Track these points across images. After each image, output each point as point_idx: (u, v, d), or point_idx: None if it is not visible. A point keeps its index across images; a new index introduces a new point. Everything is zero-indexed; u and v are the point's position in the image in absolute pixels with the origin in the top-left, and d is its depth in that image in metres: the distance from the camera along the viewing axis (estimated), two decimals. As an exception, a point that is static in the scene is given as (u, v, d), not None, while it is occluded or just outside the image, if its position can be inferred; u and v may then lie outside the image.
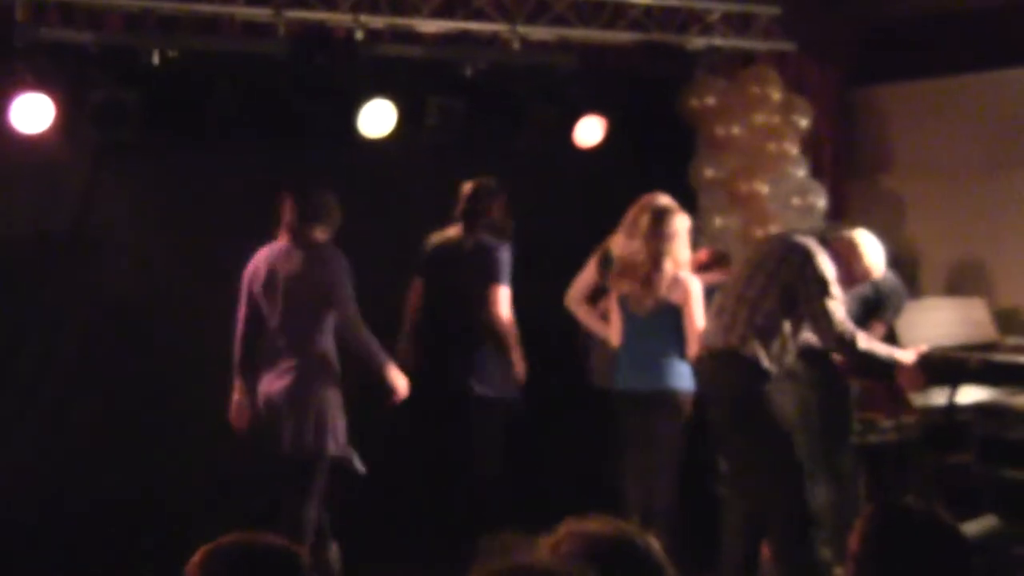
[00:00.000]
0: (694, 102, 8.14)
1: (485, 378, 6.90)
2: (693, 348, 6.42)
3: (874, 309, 6.97)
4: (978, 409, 7.23)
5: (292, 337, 6.24)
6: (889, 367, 6.29)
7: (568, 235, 7.37)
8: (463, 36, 7.56)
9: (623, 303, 6.65)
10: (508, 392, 6.94)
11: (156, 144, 6.78)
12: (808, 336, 6.24)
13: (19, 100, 6.32)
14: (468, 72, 7.31)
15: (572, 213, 7.68)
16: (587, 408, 7.22)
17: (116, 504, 6.84)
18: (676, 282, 6.54)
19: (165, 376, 6.99)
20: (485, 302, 6.83)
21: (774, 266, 6.07)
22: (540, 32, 7.69)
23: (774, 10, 8.30)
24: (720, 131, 8.09)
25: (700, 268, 6.96)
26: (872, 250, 6.31)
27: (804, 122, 8.16)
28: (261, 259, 6.37)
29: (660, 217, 6.54)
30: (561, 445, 7.66)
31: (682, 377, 6.52)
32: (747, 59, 8.35)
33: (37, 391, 6.81)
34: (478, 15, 7.53)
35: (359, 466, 6.35)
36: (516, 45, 7.59)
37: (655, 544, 2.60)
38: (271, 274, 6.31)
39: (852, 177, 8.81)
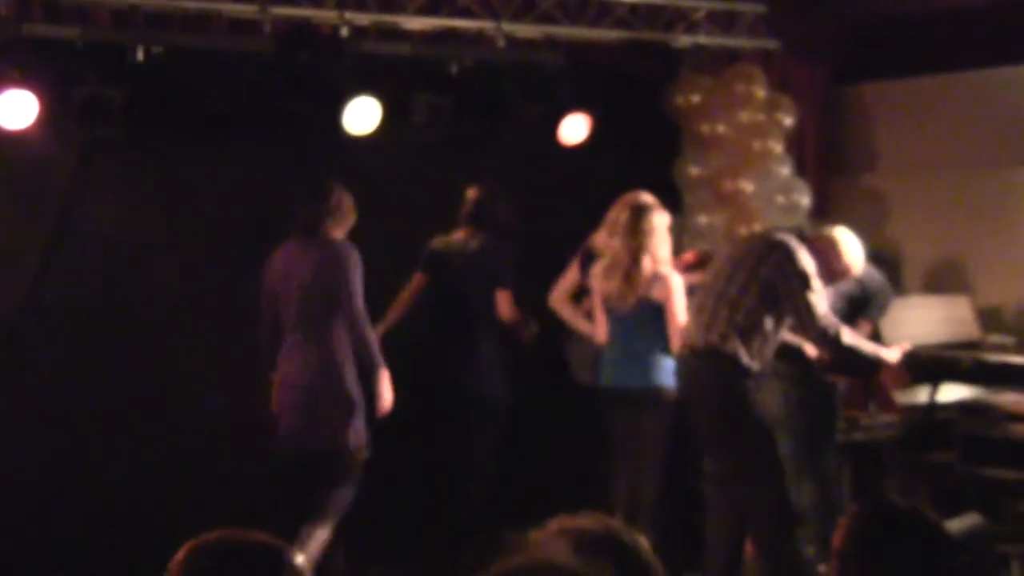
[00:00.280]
0: (679, 100, 8.15)
1: (487, 379, 6.95)
2: (676, 344, 6.44)
3: (860, 307, 6.99)
4: (962, 407, 7.25)
5: (310, 332, 6.30)
6: (871, 364, 6.31)
7: (553, 233, 7.38)
8: (449, 33, 7.55)
9: (606, 301, 6.66)
10: (508, 393, 7.00)
11: (141, 141, 6.76)
12: (792, 335, 6.27)
13: (3, 96, 6.30)
14: (454, 69, 7.31)
15: (557, 211, 7.68)
16: (570, 405, 7.23)
17: (108, 504, 6.82)
18: (657, 278, 6.56)
19: (150, 373, 6.98)
20: (492, 304, 6.90)
21: (754, 264, 6.08)
22: (526, 30, 7.69)
23: (759, 8, 8.32)
24: (705, 129, 8.11)
25: (687, 268, 6.98)
26: (852, 248, 6.34)
27: (789, 120, 8.17)
28: (279, 256, 6.45)
29: (638, 214, 6.56)
30: (545, 442, 7.65)
31: (667, 374, 6.53)
32: (732, 57, 8.36)
33: (23, 389, 6.78)
34: (464, 12, 7.53)
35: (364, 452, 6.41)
36: (502, 43, 7.59)
37: (644, 542, 2.61)
38: (288, 271, 6.39)
39: (836, 175, 8.83)
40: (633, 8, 7.98)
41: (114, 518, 6.82)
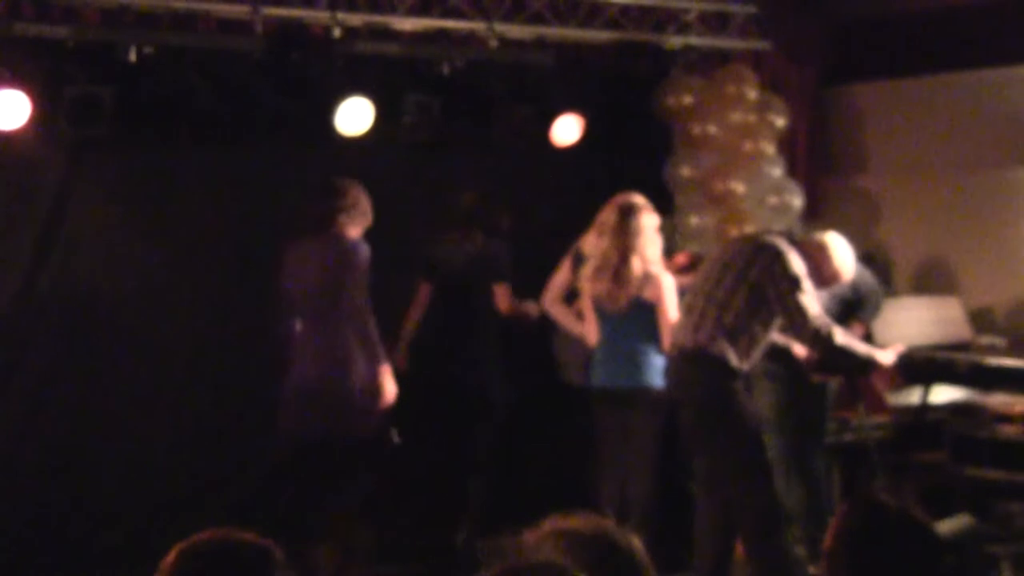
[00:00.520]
0: (670, 101, 8.14)
1: (489, 378, 6.98)
2: (668, 343, 6.45)
3: (853, 309, 7.00)
4: (952, 408, 7.26)
5: (318, 326, 6.39)
6: (864, 365, 6.32)
7: (544, 234, 7.39)
8: (440, 34, 7.55)
9: (596, 302, 6.66)
10: (507, 394, 7.05)
11: (132, 140, 6.75)
12: (782, 336, 6.28)
13: (-6, 96, 6.28)
14: (445, 70, 7.30)
15: (548, 212, 7.69)
16: (560, 406, 7.24)
17: (100, 502, 6.82)
18: (648, 278, 6.56)
19: (140, 372, 6.97)
20: (492, 302, 6.97)
21: (743, 266, 6.09)
22: (517, 30, 7.69)
23: (750, 9, 8.32)
24: (696, 130, 8.10)
25: (678, 271, 6.99)
26: (842, 253, 6.36)
27: (780, 121, 8.17)
28: (292, 251, 6.53)
29: (626, 215, 6.56)
30: (536, 443, 7.66)
31: (658, 374, 6.53)
32: (723, 58, 8.37)
33: (11, 388, 6.77)
34: (455, 13, 7.52)
35: (395, 436, 6.49)
36: (493, 43, 7.58)
37: (637, 543, 2.61)
38: (299, 266, 6.47)
39: (827, 176, 8.84)
40: (624, 9, 7.98)
41: (109, 517, 6.82)
